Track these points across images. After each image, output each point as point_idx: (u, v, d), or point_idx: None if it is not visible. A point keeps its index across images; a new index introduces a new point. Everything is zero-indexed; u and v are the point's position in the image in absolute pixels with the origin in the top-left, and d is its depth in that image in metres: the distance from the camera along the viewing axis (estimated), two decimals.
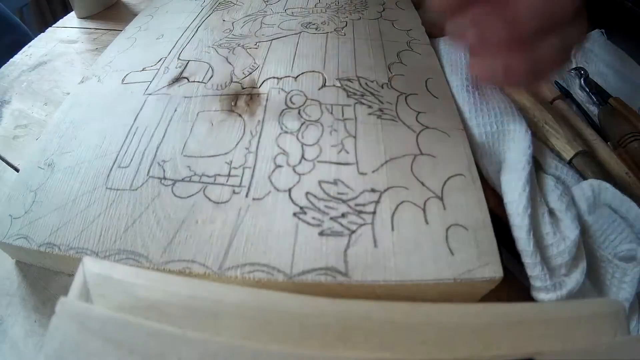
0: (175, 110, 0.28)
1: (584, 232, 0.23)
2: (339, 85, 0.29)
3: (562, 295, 0.20)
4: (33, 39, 0.45)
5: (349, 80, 0.29)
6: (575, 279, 0.21)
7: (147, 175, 0.24)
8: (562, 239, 0.22)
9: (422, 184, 0.22)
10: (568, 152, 0.27)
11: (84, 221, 0.23)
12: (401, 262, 0.20)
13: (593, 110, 0.31)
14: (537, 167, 0.26)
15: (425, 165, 0.23)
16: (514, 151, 0.25)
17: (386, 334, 0.15)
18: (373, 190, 0.22)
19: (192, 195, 0.23)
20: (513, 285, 0.21)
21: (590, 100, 0.32)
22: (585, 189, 0.24)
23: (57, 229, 0.22)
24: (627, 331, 0.16)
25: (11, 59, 0.42)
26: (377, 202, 0.22)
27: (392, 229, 0.21)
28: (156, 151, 0.25)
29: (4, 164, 0.31)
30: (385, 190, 0.22)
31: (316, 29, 0.35)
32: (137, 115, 0.28)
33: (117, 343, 0.14)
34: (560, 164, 0.26)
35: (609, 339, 0.16)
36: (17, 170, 0.30)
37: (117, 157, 0.25)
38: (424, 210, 0.21)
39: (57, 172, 0.25)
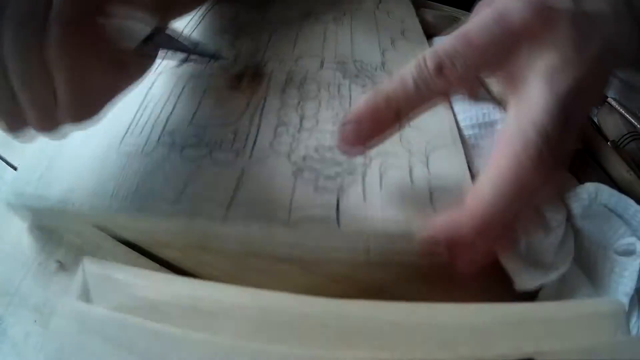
0: (184, 87, 0.30)
1: (579, 233, 0.23)
2: (335, 67, 0.31)
3: (539, 282, 0.21)
4: None
5: (345, 63, 0.32)
6: (557, 270, 0.21)
7: (158, 142, 0.26)
8: (545, 233, 0.22)
9: (409, 151, 0.25)
10: None
11: (98, 180, 0.24)
12: (388, 215, 0.22)
13: (592, 110, 0.31)
14: None
15: (412, 136, 0.25)
16: None
17: (386, 334, 0.15)
18: (363, 156, 0.24)
19: (200, 157, 0.25)
20: (513, 285, 0.21)
21: None
22: (582, 194, 0.24)
23: (72, 188, 0.24)
24: (627, 331, 0.16)
25: None
26: (368, 165, 0.24)
27: (381, 187, 0.23)
28: (166, 122, 0.27)
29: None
30: (375, 156, 0.24)
31: (316, 18, 0.37)
32: (147, 92, 0.29)
33: (117, 343, 0.14)
34: None
35: (609, 339, 0.16)
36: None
37: (129, 127, 0.27)
38: (410, 173, 0.24)
39: (71, 139, 0.26)
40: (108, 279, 0.16)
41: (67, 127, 0.22)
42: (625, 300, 0.20)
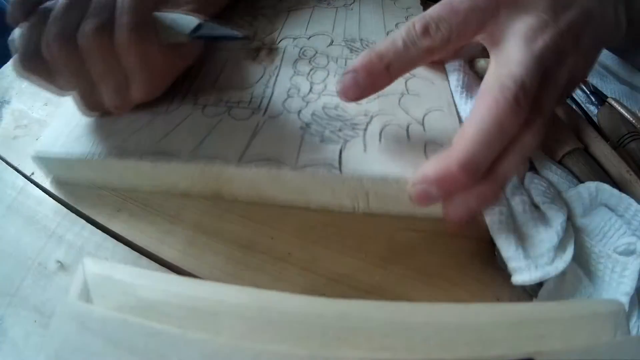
0: (208, 57, 0.33)
1: (579, 232, 0.23)
2: (344, 44, 0.34)
3: (536, 277, 0.21)
4: None
5: (352, 41, 0.35)
6: (555, 266, 0.21)
7: (181, 102, 0.29)
8: (545, 228, 0.22)
9: (407, 112, 0.28)
10: (556, 153, 0.27)
11: (124, 134, 0.27)
12: (385, 163, 0.24)
13: (593, 110, 0.31)
14: (530, 168, 0.27)
15: (411, 101, 0.28)
16: None
17: (386, 334, 0.15)
18: (365, 115, 0.27)
19: (219, 114, 0.28)
20: (513, 285, 0.22)
21: (589, 100, 0.32)
22: (582, 192, 0.24)
23: (99, 141, 0.27)
24: (627, 331, 0.16)
25: (12, 59, 0.42)
26: (369, 122, 0.27)
27: (380, 140, 0.26)
28: (190, 85, 0.30)
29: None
30: (376, 115, 0.27)
31: (327, 4, 0.41)
32: None
33: (117, 343, 0.14)
34: (551, 164, 0.26)
35: (609, 339, 0.16)
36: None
37: None
38: (407, 130, 0.26)
39: None
40: (108, 279, 0.16)
41: (134, 103, 0.27)
42: (625, 300, 0.20)
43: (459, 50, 0.30)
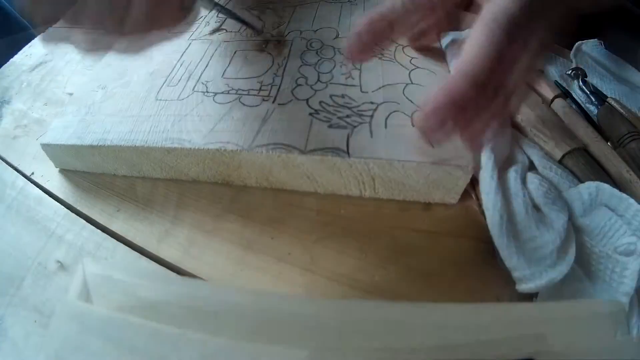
0: (216, 49, 0.35)
1: (579, 232, 0.23)
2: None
3: (542, 284, 0.21)
4: (35, 37, 0.45)
5: None
6: (559, 270, 0.21)
7: (193, 90, 0.30)
8: (547, 230, 0.22)
9: (411, 101, 0.28)
10: (557, 153, 0.27)
11: (136, 122, 0.28)
12: (391, 148, 0.25)
13: (593, 110, 0.31)
14: (530, 168, 0.27)
15: (414, 90, 0.29)
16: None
17: (386, 334, 0.15)
18: (372, 103, 0.28)
19: (230, 102, 0.29)
20: (513, 285, 0.22)
21: (589, 100, 0.32)
22: (582, 192, 0.24)
23: (110, 129, 0.28)
24: (627, 331, 0.16)
25: (11, 59, 0.42)
26: (375, 110, 0.28)
27: (385, 127, 0.26)
28: (200, 75, 0.32)
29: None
30: (381, 103, 0.28)
31: (334, 0, 0.43)
32: (183, 53, 0.34)
33: (117, 343, 0.14)
34: (552, 164, 0.26)
35: (609, 339, 0.16)
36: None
37: (166, 79, 0.32)
38: (411, 117, 0.27)
39: (110, 91, 0.31)
40: (108, 279, 0.16)
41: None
42: (625, 300, 0.20)
43: (453, 18, 0.31)
